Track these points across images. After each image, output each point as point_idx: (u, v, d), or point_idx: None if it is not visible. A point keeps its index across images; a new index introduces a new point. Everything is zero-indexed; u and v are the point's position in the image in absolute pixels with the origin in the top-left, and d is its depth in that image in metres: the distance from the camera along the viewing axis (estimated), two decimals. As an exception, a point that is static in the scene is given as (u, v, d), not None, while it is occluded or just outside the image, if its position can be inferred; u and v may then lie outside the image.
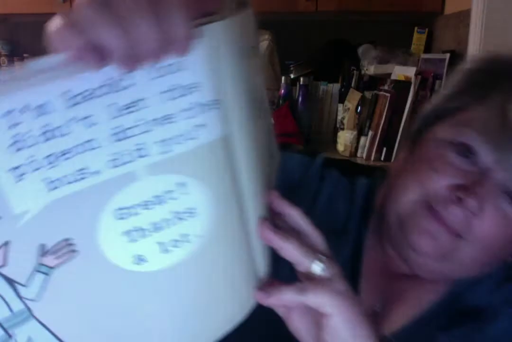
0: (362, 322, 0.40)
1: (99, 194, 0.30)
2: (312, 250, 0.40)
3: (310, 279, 0.40)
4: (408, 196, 0.50)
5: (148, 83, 0.29)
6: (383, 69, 1.88)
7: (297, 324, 0.42)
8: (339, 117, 1.90)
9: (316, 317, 0.40)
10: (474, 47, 1.58)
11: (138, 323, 0.36)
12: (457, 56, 1.69)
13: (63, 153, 0.28)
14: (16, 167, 0.27)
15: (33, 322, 0.30)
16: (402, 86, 1.71)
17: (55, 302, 0.31)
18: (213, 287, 0.39)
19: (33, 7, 1.87)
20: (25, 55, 2.15)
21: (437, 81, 1.69)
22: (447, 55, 1.70)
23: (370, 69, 1.90)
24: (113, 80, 0.28)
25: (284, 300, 0.39)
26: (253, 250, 0.40)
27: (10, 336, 0.30)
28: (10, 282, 0.29)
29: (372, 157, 1.74)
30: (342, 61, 1.98)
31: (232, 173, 0.35)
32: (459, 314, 0.53)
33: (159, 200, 0.33)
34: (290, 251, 0.39)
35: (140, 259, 0.34)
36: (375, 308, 0.55)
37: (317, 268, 0.39)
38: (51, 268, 0.30)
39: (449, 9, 1.83)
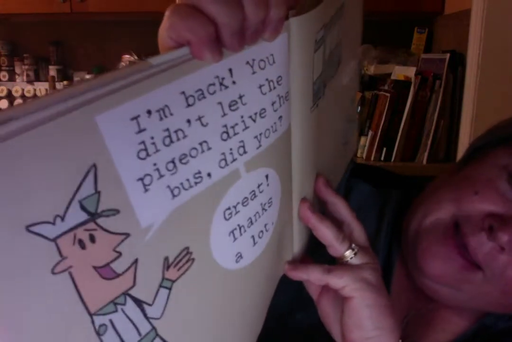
0: (386, 315, 0.39)
1: (211, 197, 0.30)
2: (347, 237, 0.40)
3: (341, 263, 0.40)
4: (437, 212, 0.47)
5: (246, 80, 0.29)
6: (383, 69, 1.88)
7: (326, 308, 0.42)
8: (339, 117, 1.90)
9: (342, 302, 0.40)
10: (474, 47, 1.58)
11: (231, 325, 0.36)
12: (457, 56, 1.69)
13: (182, 158, 0.27)
14: (144, 176, 0.25)
15: (158, 341, 0.29)
16: (402, 86, 1.71)
17: (173, 316, 0.29)
18: (273, 271, 0.40)
19: (33, 7, 1.87)
20: (25, 55, 2.15)
21: (437, 81, 1.69)
22: (447, 55, 1.70)
23: (370, 69, 1.90)
24: (219, 79, 0.28)
25: (310, 277, 0.40)
26: (293, 228, 0.41)
27: None
28: (139, 303, 0.27)
29: (372, 157, 1.74)
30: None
31: (290, 159, 0.37)
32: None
33: (253, 194, 0.33)
34: (325, 232, 0.39)
35: (239, 257, 0.34)
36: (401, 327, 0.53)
37: (347, 254, 0.40)
38: (173, 281, 0.29)
39: (449, 9, 1.83)
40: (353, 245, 0.40)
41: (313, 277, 0.40)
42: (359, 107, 1.80)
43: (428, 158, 1.71)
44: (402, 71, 1.78)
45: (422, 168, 1.70)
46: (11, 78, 2.19)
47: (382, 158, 1.74)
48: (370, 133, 1.75)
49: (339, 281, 0.39)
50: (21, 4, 1.87)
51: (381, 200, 0.57)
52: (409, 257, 0.49)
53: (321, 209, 0.43)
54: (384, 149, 1.73)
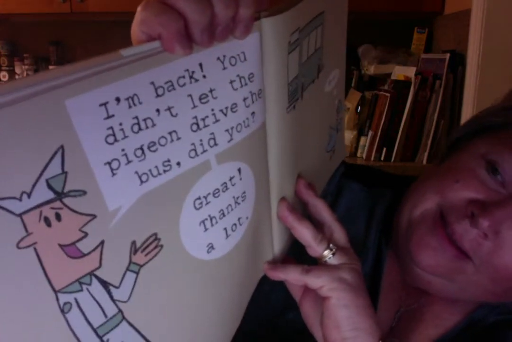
0: (365, 316, 0.39)
1: (181, 185, 0.30)
2: (326, 237, 0.40)
3: (320, 264, 0.41)
4: (424, 204, 0.47)
5: (217, 74, 0.30)
6: (383, 69, 1.88)
7: (307, 309, 0.43)
8: (339, 117, 1.90)
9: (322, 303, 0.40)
10: (474, 47, 1.58)
11: (205, 316, 0.36)
12: (457, 56, 1.69)
13: (150, 146, 0.27)
14: (111, 161, 0.25)
15: (124, 325, 0.29)
16: (402, 86, 1.71)
17: (141, 301, 0.30)
18: (250, 268, 0.40)
19: (33, 7, 1.87)
20: (25, 55, 2.15)
21: (437, 81, 1.69)
22: (447, 55, 1.70)
23: (370, 69, 1.90)
24: (189, 72, 0.28)
25: (288, 277, 0.40)
26: (273, 228, 0.42)
27: None
28: (105, 285, 0.27)
29: (372, 157, 1.74)
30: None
31: (266, 157, 0.37)
32: (480, 338, 0.50)
33: (225, 187, 0.34)
34: (303, 232, 0.40)
35: (211, 247, 0.34)
36: (392, 324, 0.53)
37: (326, 254, 0.40)
38: (141, 266, 0.29)
39: (449, 9, 1.83)
40: (331, 245, 0.40)
41: (291, 277, 0.40)
42: (359, 107, 1.80)
43: (428, 158, 1.72)
44: (402, 71, 1.78)
45: (422, 168, 1.70)
46: (11, 78, 2.19)
47: (382, 158, 1.74)
48: (370, 133, 1.75)
49: (317, 281, 0.39)
50: (21, 4, 1.87)
51: (372, 199, 0.57)
52: (402, 250, 0.49)
53: (304, 211, 0.43)
54: (384, 149, 1.73)
